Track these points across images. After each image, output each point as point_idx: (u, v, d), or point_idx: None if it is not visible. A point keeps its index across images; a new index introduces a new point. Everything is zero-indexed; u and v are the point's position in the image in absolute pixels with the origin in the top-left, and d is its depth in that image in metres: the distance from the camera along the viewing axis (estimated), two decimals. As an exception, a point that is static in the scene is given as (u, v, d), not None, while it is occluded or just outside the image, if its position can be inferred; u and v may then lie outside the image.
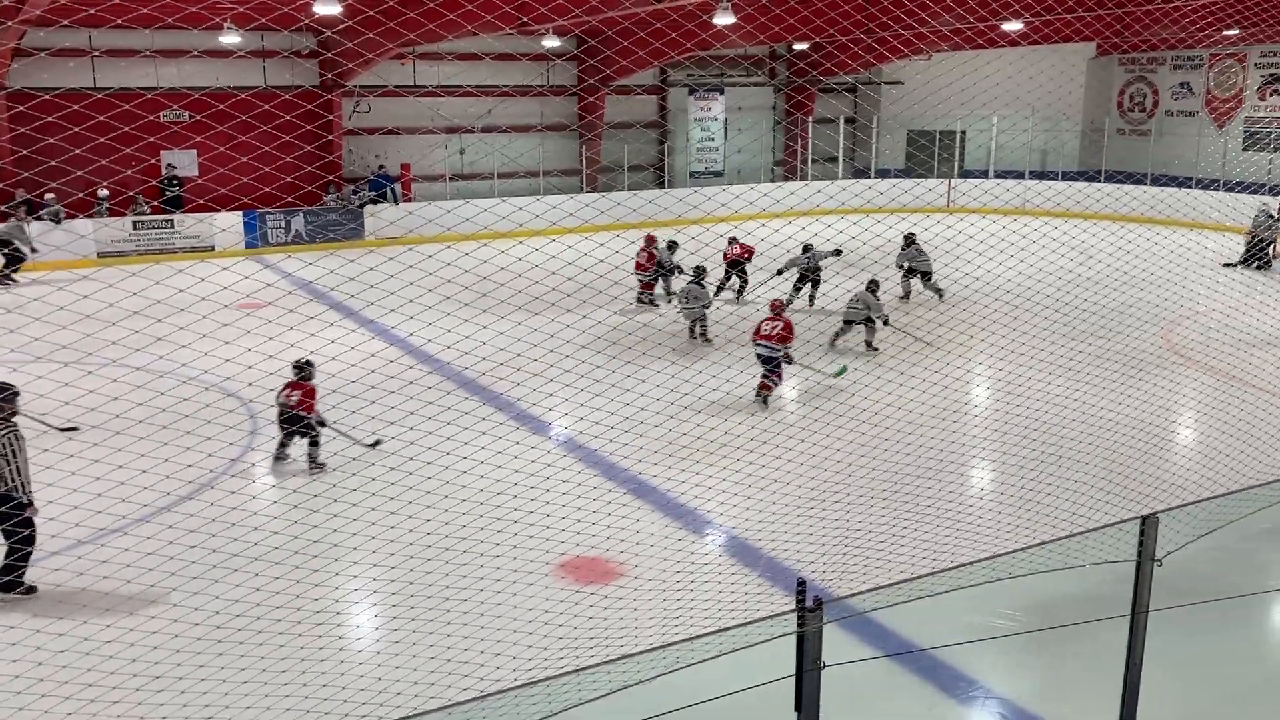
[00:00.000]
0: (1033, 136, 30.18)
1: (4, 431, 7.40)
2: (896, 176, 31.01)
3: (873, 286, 14.97)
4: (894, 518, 8.42)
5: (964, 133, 30.97)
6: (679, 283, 16.62)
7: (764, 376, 12.14)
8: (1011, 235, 19.20)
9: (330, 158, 25.33)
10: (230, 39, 21.72)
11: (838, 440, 9.94)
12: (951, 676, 6.55)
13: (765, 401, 12.05)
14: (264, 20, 22.40)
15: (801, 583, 4.03)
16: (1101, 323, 15.57)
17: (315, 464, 10.14)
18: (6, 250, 20.10)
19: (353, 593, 7.70)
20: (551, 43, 24.94)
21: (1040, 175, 29.93)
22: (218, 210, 22.97)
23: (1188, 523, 5.24)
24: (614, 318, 15.96)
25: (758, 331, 12.45)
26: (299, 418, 10.08)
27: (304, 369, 10.23)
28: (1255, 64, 28.36)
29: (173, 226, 22.53)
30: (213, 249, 22.77)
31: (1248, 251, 21.26)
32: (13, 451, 7.34)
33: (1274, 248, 21.49)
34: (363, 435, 10.29)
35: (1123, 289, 17.73)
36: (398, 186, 25.87)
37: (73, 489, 6.79)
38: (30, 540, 7.35)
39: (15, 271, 20.13)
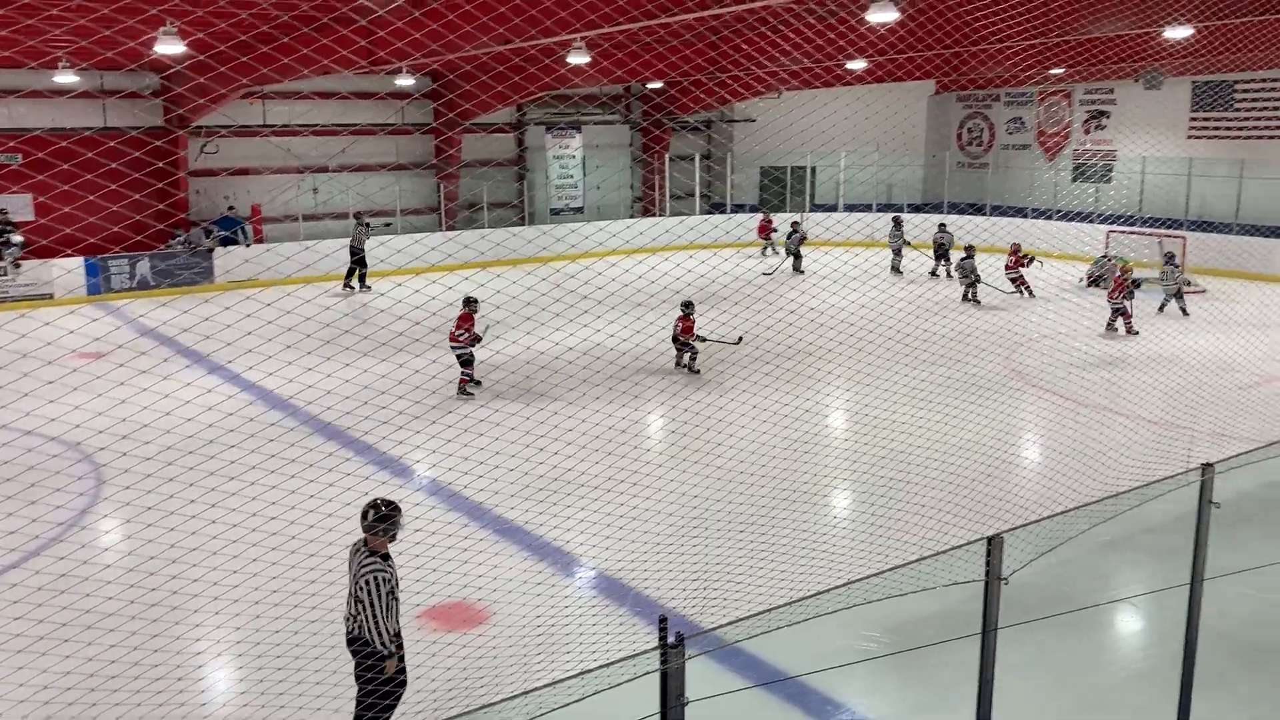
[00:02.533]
0: (878, 170, 31.31)
1: (368, 568, 5.98)
2: (751, 211, 31.69)
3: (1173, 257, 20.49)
4: (755, 548, 8.53)
5: (814, 168, 31.91)
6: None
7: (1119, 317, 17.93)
8: (861, 266, 19.86)
9: (177, 197, 24.46)
10: (67, 78, 20.79)
11: (696, 474, 10.04)
12: (819, 701, 6.64)
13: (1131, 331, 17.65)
14: (105, 55, 21.52)
15: (663, 620, 4.03)
16: (946, 349, 16.18)
17: (693, 370, 15.37)
18: (356, 257, 23.24)
19: (198, 655, 7.35)
20: (405, 81, 24.69)
21: (887, 208, 31.03)
22: (60, 253, 21.85)
23: (1031, 540, 5.45)
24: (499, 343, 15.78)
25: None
26: (682, 341, 15.34)
27: (689, 306, 15.40)
28: (1080, 100, 30.11)
29: (6, 275, 21.35)
30: (52, 296, 21.66)
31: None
32: (371, 594, 5.93)
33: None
34: (732, 339, 15.46)
35: (966, 315, 18.48)
36: (248, 227, 25.13)
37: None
38: (389, 694, 6.05)
39: (365, 276, 23.35)
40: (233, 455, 9.16)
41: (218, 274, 23.58)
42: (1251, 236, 24.12)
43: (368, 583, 5.90)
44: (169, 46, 16.12)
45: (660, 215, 31.66)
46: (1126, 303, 17.92)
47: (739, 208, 32.16)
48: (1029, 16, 14.96)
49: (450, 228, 28.11)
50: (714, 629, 5.22)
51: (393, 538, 6.10)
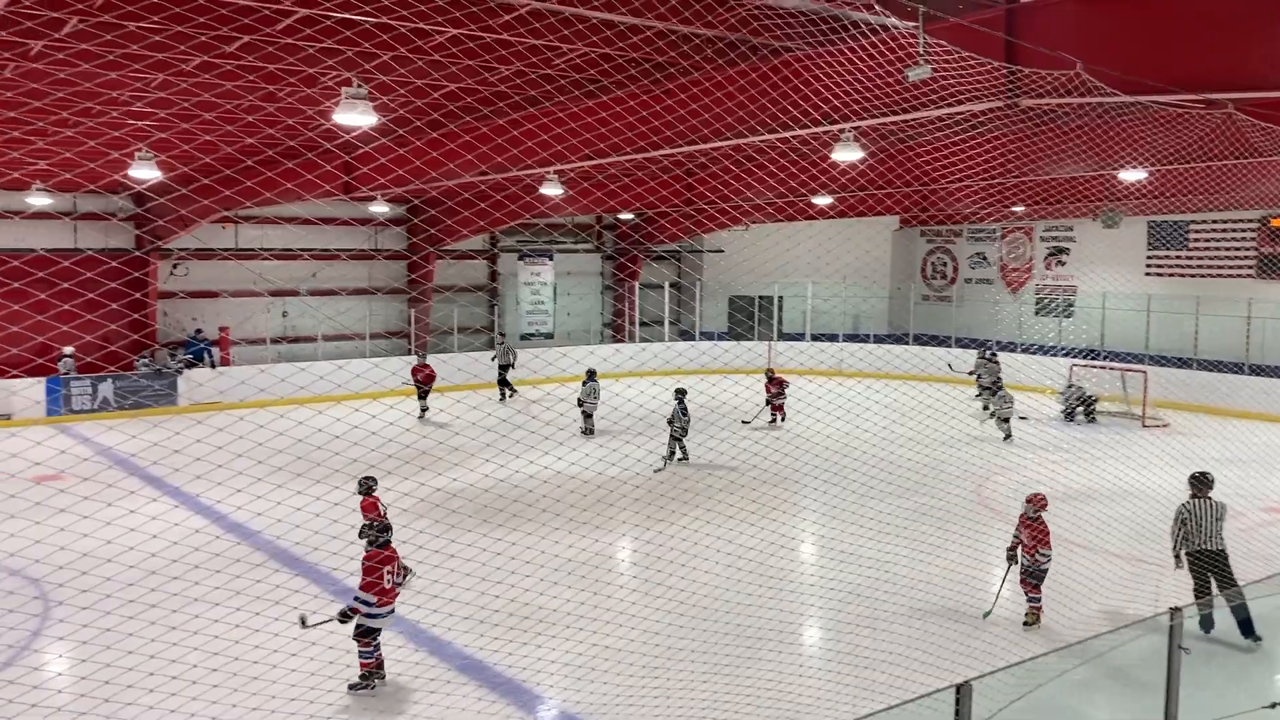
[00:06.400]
0: (845, 301, 31.85)
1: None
2: (719, 339, 32.03)
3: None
4: (725, 693, 8.31)
5: (781, 298, 32.42)
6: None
7: None
8: (829, 395, 20.01)
9: (144, 320, 24.40)
10: (39, 200, 20.95)
11: (664, 609, 9.85)
12: None
13: None
14: (77, 178, 21.73)
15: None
16: (916, 480, 16.18)
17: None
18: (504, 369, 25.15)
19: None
20: (380, 209, 25.05)
21: (853, 338, 31.46)
22: (13, 375, 21.61)
23: (1008, 681, 5.35)
24: (438, 479, 15.58)
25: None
26: None
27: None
28: (1041, 237, 30.95)
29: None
30: (9, 417, 21.33)
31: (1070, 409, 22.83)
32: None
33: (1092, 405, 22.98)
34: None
35: (935, 446, 18.55)
36: (215, 350, 25.03)
37: None
38: None
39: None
40: (184, 585, 8.95)
41: (182, 397, 23.37)
42: (1211, 372, 24.57)
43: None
44: (143, 172, 16.34)
45: (630, 342, 31.94)
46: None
47: (707, 335, 32.51)
48: (987, 159, 15.47)
49: (421, 351, 28.13)
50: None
51: None
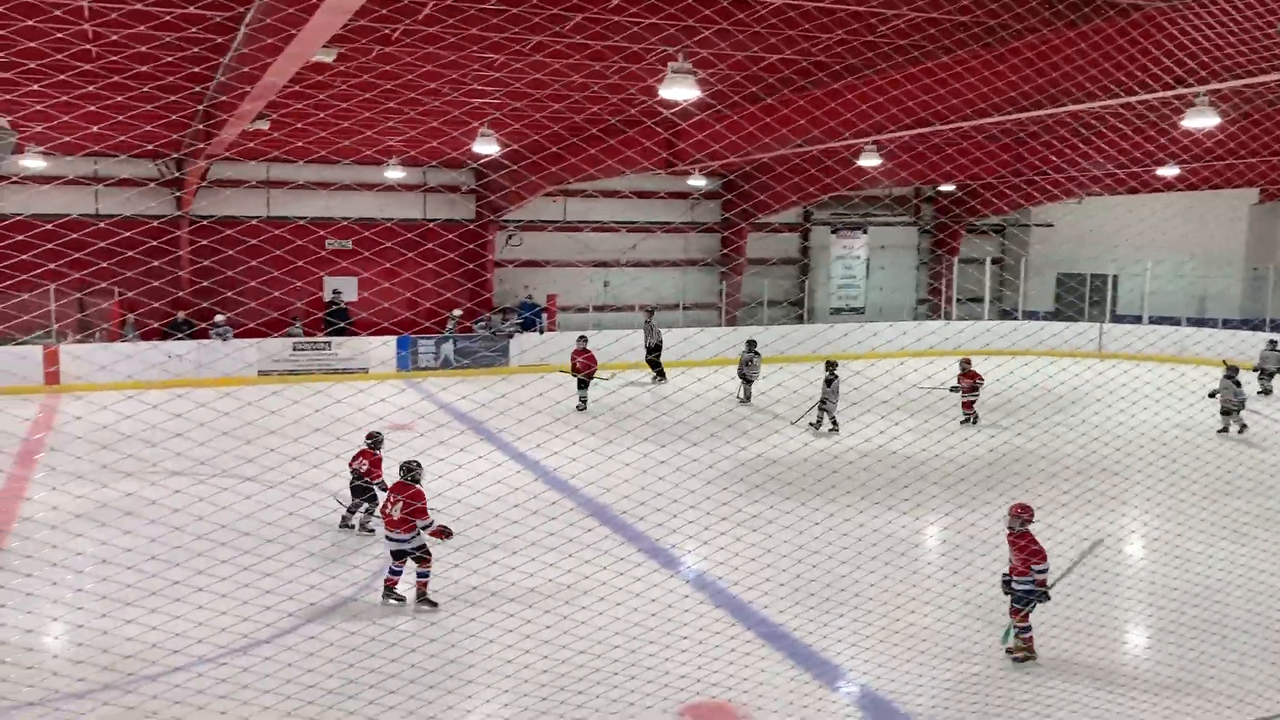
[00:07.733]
0: (1190, 282, 29.12)
1: None
2: (1044, 319, 30.26)
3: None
4: (1050, 690, 7.91)
5: (1116, 277, 30.13)
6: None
7: None
8: (1167, 383, 18.46)
9: (481, 287, 26.34)
10: (394, 174, 23.02)
11: (979, 593, 9.49)
12: None
13: None
14: (424, 155, 23.68)
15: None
16: (1267, 480, 14.64)
17: None
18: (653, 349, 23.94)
19: (468, 716, 7.60)
20: (697, 182, 25.55)
21: (1199, 322, 28.74)
22: (369, 335, 23.98)
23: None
24: (743, 453, 15.77)
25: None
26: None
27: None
28: None
29: (330, 349, 23.60)
30: (366, 371, 23.69)
31: None
32: None
33: None
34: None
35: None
36: (543, 316, 26.64)
37: (199, 605, 6.97)
38: None
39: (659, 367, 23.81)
40: (516, 530, 9.62)
41: (513, 358, 25.03)
42: None
43: None
44: (485, 146, 17.56)
45: (946, 320, 30.86)
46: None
47: (1032, 315, 30.83)
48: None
49: (731, 323, 28.57)
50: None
51: None
